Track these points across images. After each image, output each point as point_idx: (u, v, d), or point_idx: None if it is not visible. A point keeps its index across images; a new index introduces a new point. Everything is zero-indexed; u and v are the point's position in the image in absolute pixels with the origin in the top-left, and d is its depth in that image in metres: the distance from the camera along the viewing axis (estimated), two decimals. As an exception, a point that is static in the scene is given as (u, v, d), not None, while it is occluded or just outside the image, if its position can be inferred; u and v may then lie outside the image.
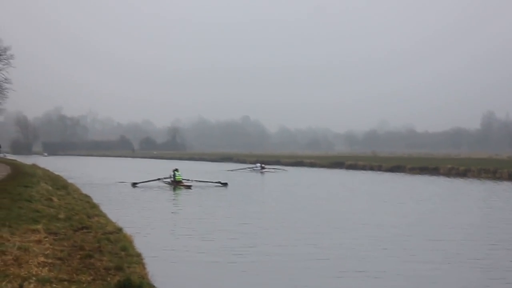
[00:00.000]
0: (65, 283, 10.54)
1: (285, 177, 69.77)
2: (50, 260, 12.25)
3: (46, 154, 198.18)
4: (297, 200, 39.35)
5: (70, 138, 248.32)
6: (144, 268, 13.51)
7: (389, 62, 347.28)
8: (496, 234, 25.12)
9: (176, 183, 50.38)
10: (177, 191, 46.77)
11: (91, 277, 11.33)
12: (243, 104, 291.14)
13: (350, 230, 24.95)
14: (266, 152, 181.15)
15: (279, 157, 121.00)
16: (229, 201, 38.44)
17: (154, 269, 13.86)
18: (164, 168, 79.26)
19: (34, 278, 10.43)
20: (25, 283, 9.93)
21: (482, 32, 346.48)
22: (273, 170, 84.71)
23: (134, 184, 50.85)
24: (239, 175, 72.41)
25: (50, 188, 29.96)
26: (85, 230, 17.02)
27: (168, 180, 51.71)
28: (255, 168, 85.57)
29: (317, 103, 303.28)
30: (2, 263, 11.16)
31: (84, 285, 10.58)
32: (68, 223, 18.07)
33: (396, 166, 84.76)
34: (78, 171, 76.58)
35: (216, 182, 52.45)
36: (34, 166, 56.70)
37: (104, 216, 22.54)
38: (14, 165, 57.31)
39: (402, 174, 76.59)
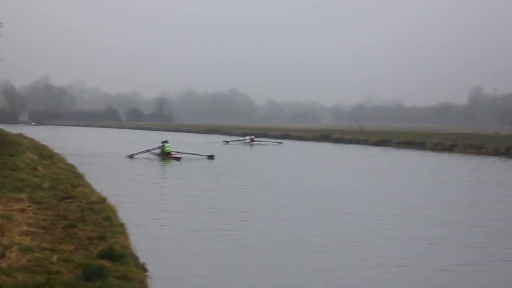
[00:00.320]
0: (48, 252, 10.57)
1: (274, 150, 69.02)
2: (33, 229, 12.27)
3: (33, 123, 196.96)
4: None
5: (57, 108, 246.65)
6: (127, 238, 13.54)
7: (378, 37, 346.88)
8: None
9: (165, 155, 49.92)
10: (165, 163, 46.56)
11: (74, 247, 11.36)
12: (231, 76, 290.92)
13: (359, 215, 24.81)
14: (254, 124, 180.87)
15: (266, 129, 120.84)
16: (216, 174, 38.26)
17: (137, 240, 13.89)
18: (150, 138, 79.34)
19: (16, 246, 10.46)
20: (7, 252, 9.96)
21: (468, 6, 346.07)
22: (263, 143, 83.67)
23: (130, 156, 50.27)
24: (227, 148, 72.03)
25: (35, 157, 29.92)
26: (69, 200, 17.04)
27: (157, 151, 51.30)
28: (245, 141, 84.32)
29: (305, 76, 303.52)
30: (-16, 231, 11.18)
31: (67, 254, 10.61)
32: (52, 192, 18.09)
33: (382, 140, 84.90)
34: (64, 141, 76.30)
35: (204, 155, 51.84)
36: (20, 135, 56.51)
37: (88, 186, 22.54)
38: (-1, 134, 57.11)
39: (389, 148, 76.74)
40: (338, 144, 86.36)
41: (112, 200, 18.52)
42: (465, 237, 19.00)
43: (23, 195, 15.95)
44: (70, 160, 34.85)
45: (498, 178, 39.37)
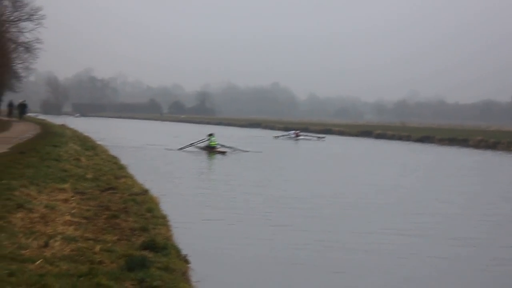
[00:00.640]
0: (91, 242, 10.61)
1: (320, 146, 68.10)
2: (76, 219, 12.34)
3: (78, 114, 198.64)
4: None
5: (99, 100, 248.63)
6: (169, 230, 13.56)
7: (422, 36, 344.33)
8: None
9: (210, 149, 49.04)
10: (211, 157, 45.92)
11: (116, 237, 11.40)
12: (273, 71, 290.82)
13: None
14: (295, 119, 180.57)
15: (308, 124, 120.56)
16: (262, 169, 37.58)
17: (179, 231, 13.91)
18: (192, 131, 79.46)
19: (60, 236, 10.50)
20: (51, 241, 10.00)
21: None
22: (308, 138, 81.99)
23: (178, 149, 49.57)
24: (272, 143, 71.37)
25: (78, 148, 30.13)
26: (111, 191, 17.12)
27: (202, 145, 50.56)
28: (289, 135, 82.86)
29: (348, 71, 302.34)
30: (29, 220, 11.25)
31: (109, 244, 10.64)
32: (95, 183, 18.20)
33: (425, 136, 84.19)
34: (108, 132, 76.73)
35: (251, 151, 50.68)
36: (63, 126, 57.02)
37: (131, 177, 22.63)
38: (43, 124, 57.72)
39: (431, 144, 76.10)
40: (380, 140, 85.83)
41: (154, 191, 18.59)
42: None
43: (66, 186, 16.05)
44: (114, 152, 35.00)
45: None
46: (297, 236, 17.27)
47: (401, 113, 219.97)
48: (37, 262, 8.63)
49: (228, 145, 50.66)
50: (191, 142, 50.78)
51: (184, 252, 11.69)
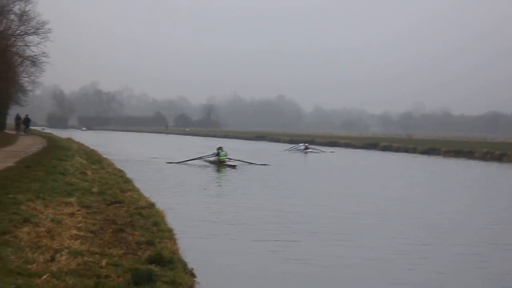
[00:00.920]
0: (97, 256, 10.61)
1: (329, 159, 67.56)
2: (82, 233, 12.34)
3: (84, 128, 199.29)
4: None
5: (105, 113, 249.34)
6: (175, 244, 13.55)
7: (427, 48, 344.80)
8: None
9: (220, 163, 47.84)
10: (220, 171, 44.83)
11: (123, 251, 11.40)
12: (279, 83, 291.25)
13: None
14: (301, 131, 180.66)
15: (314, 136, 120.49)
16: (272, 184, 36.37)
17: (185, 245, 13.89)
18: (198, 144, 79.37)
19: (66, 250, 10.50)
20: (57, 255, 10.01)
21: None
22: (317, 151, 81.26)
23: (176, 163, 48.70)
24: (280, 156, 70.53)
25: (84, 162, 30.19)
26: (117, 205, 17.12)
27: (211, 158, 49.48)
28: (298, 148, 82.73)
29: (353, 83, 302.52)
30: (35, 234, 11.26)
31: (116, 258, 10.64)
32: (101, 197, 18.20)
33: (431, 148, 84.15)
34: (113, 146, 76.73)
35: (260, 164, 49.90)
36: (69, 140, 57.14)
37: (137, 191, 22.65)
38: (49, 138, 57.83)
39: (437, 157, 76.01)
40: (386, 152, 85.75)
41: (160, 205, 18.60)
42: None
43: (72, 199, 16.06)
44: (120, 166, 35.02)
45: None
46: (306, 250, 17.17)
47: (407, 125, 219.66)
48: (44, 277, 8.63)
49: (237, 159, 49.90)
50: (199, 156, 50.28)
51: (190, 266, 11.69)
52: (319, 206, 26.65)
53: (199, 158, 49.95)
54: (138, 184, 25.97)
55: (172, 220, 16.59)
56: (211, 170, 45.38)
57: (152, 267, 10.25)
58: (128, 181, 26.37)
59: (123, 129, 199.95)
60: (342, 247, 17.77)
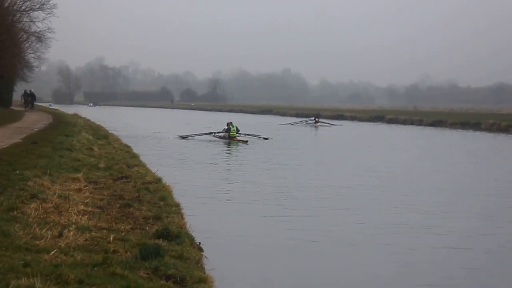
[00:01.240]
0: (104, 231, 10.65)
1: (340, 132, 66.75)
2: (89, 209, 12.39)
3: (91, 104, 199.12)
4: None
5: (111, 88, 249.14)
6: (182, 218, 13.59)
7: (432, 16, 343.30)
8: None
9: (230, 138, 47.13)
10: (231, 146, 44.13)
11: (130, 226, 11.44)
12: (285, 56, 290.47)
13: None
14: (307, 105, 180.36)
15: (320, 110, 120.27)
16: (281, 159, 35.44)
17: (192, 219, 13.92)
18: (206, 119, 79.11)
19: (73, 225, 10.55)
20: (65, 231, 10.05)
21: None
22: (327, 124, 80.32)
23: (182, 137, 48.00)
24: (290, 129, 69.54)
25: (91, 137, 30.21)
26: (124, 180, 17.17)
27: (221, 134, 48.39)
28: (308, 122, 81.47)
29: (359, 56, 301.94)
30: (42, 210, 11.30)
31: (123, 233, 10.68)
32: (108, 172, 18.24)
33: (437, 120, 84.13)
34: (120, 121, 76.56)
35: (264, 137, 49.28)
36: (75, 115, 57.14)
37: (143, 166, 22.68)
38: (55, 114, 57.85)
39: (443, 129, 75.92)
40: (392, 125, 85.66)
41: (167, 180, 18.63)
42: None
43: (79, 175, 16.09)
44: (126, 141, 34.99)
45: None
46: (314, 224, 17.06)
47: (413, 97, 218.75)
48: (52, 252, 8.67)
49: (248, 133, 49.37)
50: (210, 131, 49.78)
51: (197, 240, 11.72)
52: (330, 181, 26.32)
53: (209, 133, 49.35)
54: (145, 159, 26.01)
55: (179, 195, 16.64)
56: (221, 145, 44.69)
57: (159, 241, 10.28)
58: (134, 156, 26.38)
59: (129, 104, 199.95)
60: (351, 222, 17.79)
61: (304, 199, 21.13)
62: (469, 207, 20.77)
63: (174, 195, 16.23)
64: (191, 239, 11.50)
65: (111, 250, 9.43)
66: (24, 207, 11.18)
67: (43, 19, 61.28)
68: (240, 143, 45.68)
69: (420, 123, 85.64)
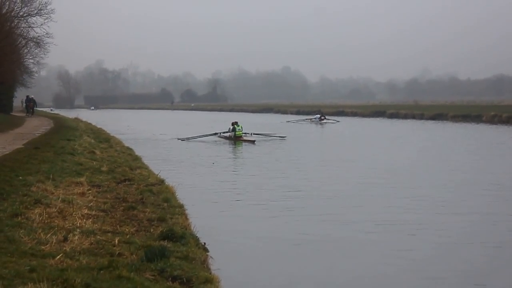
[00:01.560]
0: (109, 234, 10.66)
1: (346, 128, 66.55)
2: (93, 212, 12.39)
3: (93, 107, 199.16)
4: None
5: (111, 92, 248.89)
6: (187, 219, 13.59)
7: (430, 9, 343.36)
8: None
9: (236, 138, 46.38)
10: (237, 146, 43.59)
11: (135, 228, 11.45)
12: (284, 54, 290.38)
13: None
14: (307, 102, 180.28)
15: (320, 107, 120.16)
16: (288, 158, 35.16)
17: (196, 220, 13.91)
18: (207, 120, 78.96)
19: (78, 230, 10.56)
20: (70, 235, 10.06)
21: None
22: (333, 121, 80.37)
23: (185, 139, 47.05)
24: (297, 127, 69.04)
25: (92, 141, 30.23)
26: (127, 182, 17.20)
27: (227, 134, 47.71)
28: (313, 119, 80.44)
29: (358, 52, 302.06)
30: (46, 215, 11.30)
31: (128, 236, 10.69)
32: (111, 175, 18.26)
33: (438, 114, 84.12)
34: (121, 124, 76.46)
35: (278, 136, 48.77)
36: (76, 119, 57.18)
37: (146, 168, 22.71)
38: (56, 119, 57.88)
39: (444, 122, 75.89)
40: (393, 120, 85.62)
41: (170, 181, 18.62)
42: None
43: (82, 179, 16.11)
44: (128, 143, 34.95)
45: None
46: (318, 225, 16.88)
47: (414, 91, 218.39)
48: (57, 257, 8.67)
49: (255, 133, 48.39)
50: (214, 132, 48.87)
51: (202, 240, 11.72)
52: (339, 179, 26.15)
53: (214, 134, 48.53)
54: (147, 161, 26.02)
55: (182, 196, 16.63)
56: (226, 145, 44.31)
57: (164, 243, 10.29)
58: (137, 158, 26.41)
59: (129, 107, 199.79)
60: (361, 221, 17.77)
61: (311, 199, 20.94)
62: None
63: (177, 197, 16.22)
64: (196, 239, 11.49)
65: (117, 253, 9.44)
66: (28, 213, 11.19)
67: (41, 25, 61.27)
68: (247, 143, 44.90)
69: (421, 117, 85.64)
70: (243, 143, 45.01)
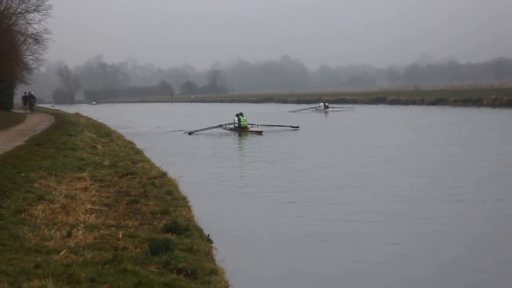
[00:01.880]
0: (113, 228, 10.67)
1: (353, 117, 64.93)
2: (97, 207, 12.41)
3: (94, 102, 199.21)
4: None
5: (111, 86, 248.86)
6: (190, 211, 13.60)
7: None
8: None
9: (241, 129, 45.54)
10: (242, 138, 43.03)
11: (138, 222, 11.46)
12: (283, 43, 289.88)
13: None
14: (307, 91, 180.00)
15: (321, 95, 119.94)
16: (299, 148, 34.94)
17: (200, 212, 13.91)
18: (208, 111, 78.69)
19: (82, 225, 10.58)
20: (74, 230, 10.07)
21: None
22: (338, 109, 79.12)
23: (190, 133, 45.82)
24: (300, 117, 67.40)
25: (94, 136, 30.24)
26: (130, 176, 17.19)
27: (231, 126, 46.90)
28: (318, 108, 79.35)
29: (357, 39, 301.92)
30: (50, 211, 11.32)
31: (132, 230, 10.70)
32: (113, 169, 18.26)
33: (439, 99, 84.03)
34: (122, 119, 76.39)
35: (287, 126, 47.28)
36: (77, 115, 57.17)
37: (148, 161, 22.73)
38: (57, 115, 57.87)
39: (445, 107, 75.80)
40: (394, 106, 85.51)
41: (172, 174, 18.62)
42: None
43: (85, 174, 16.12)
44: (130, 138, 34.91)
45: None
46: (324, 215, 16.69)
47: (414, 77, 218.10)
48: (62, 253, 8.70)
49: (261, 123, 47.31)
50: (219, 124, 47.86)
51: (206, 232, 11.73)
52: (343, 169, 25.67)
53: (219, 126, 47.58)
54: (149, 154, 26.03)
55: (185, 188, 16.63)
56: (230, 137, 43.68)
57: (168, 235, 10.31)
58: (138, 152, 26.42)
59: (130, 101, 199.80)
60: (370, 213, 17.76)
61: (316, 190, 20.61)
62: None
63: (180, 189, 16.23)
64: (200, 231, 11.51)
65: (121, 247, 9.45)
66: (32, 209, 11.20)
67: (39, 21, 61.20)
68: (253, 134, 44.04)
69: (421, 102, 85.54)
70: (250, 134, 44.28)
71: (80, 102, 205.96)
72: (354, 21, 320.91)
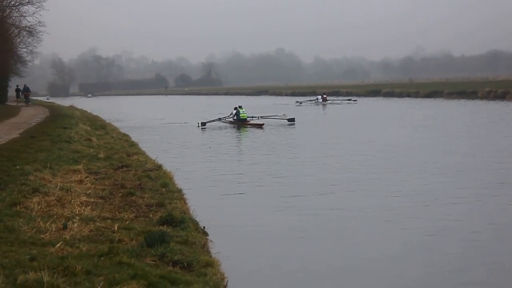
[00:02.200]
0: (108, 221, 10.66)
1: (352, 110, 64.23)
2: (92, 199, 12.38)
3: (89, 95, 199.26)
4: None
5: (106, 79, 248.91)
6: (185, 204, 13.60)
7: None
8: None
9: (241, 122, 45.32)
10: (241, 131, 42.63)
11: (134, 214, 11.44)
12: (277, 36, 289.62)
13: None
14: (302, 83, 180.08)
15: (315, 87, 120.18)
16: (295, 139, 35.22)
17: (195, 204, 13.90)
18: (203, 104, 78.64)
19: (77, 217, 10.56)
20: (69, 223, 10.05)
21: None
22: (337, 102, 78.75)
23: (203, 124, 45.34)
24: (299, 109, 67.29)
25: (88, 128, 30.21)
26: (125, 169, 17.17)
27: (230, 118, 46.56)
28: (317, 101, 79.03)
29: (352, 30, 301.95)
30: (45, 204, 11.29)
31: (127, 222, 10.69)
32: (108, 162, 18.24)
33: (433, 91, 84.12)
34: (117, 111, 76.35)
35: (284, 118, 46.65)
36: (72, 108, 57.09)
37: (143, 154, 22.71)
38: (52, 107, 57.81)
39: (440, 99, 75.85)
40: (389, 98, 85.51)
41: (168, 167, 18.61)
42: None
43: (79, 166, 16.09)
44: (125, 131, 34.88)
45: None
46: (320, 207, 16.73)
47: (408, 69, 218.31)
48: (57, 245, 8.67)
49: (261, 115, 47.21)
50: (218, 117, 47.25)
51: (201, 224, 11.74)
52: (340, 162, 25.59)
53: (218, 119, 46.89)
54: (144, 147, 26.01)
55: (180, 181, 16.62)
56: (228, 130, 43.40)
57: (164, 228, 10.29)
58: (133, 144, 26.41)
59: (125, 93, 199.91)
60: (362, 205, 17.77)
61: (312, 184, 20.46)
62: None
63: (175, 182, 16.22)
64: (196, 224, 11.52)
65: (116, 239, 9.43)
66: (27, 202, 11.17)
67: (33, 13, 60.95)
68: (253, 128, 43.56)
69: (416, 95, 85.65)
70: (249, 128, 43.81)
71: (74, 95, 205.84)
72: (348, 14, 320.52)
